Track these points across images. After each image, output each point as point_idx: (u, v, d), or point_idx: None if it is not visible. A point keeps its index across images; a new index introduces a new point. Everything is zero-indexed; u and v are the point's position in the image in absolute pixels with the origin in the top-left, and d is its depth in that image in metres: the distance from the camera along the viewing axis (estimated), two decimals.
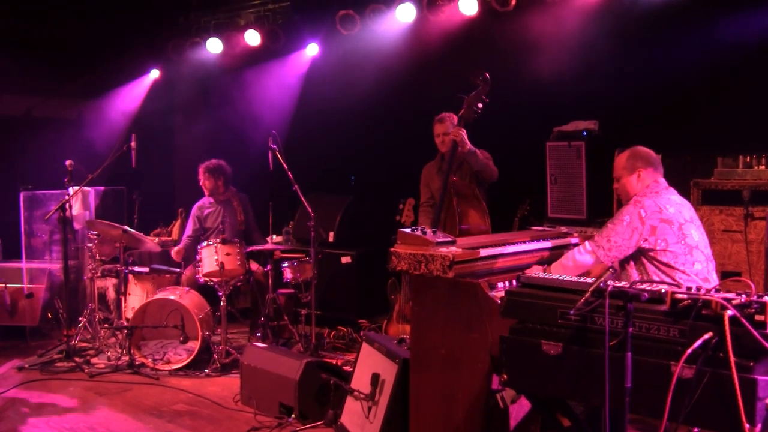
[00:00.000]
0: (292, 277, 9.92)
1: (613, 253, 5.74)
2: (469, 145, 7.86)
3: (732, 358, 3.76)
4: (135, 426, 7.47)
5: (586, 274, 6.04)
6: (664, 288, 4.14)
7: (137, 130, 10.56)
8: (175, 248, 10.31)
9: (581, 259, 5.82)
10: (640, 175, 5.99)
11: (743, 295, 3.90)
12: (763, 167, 7.94)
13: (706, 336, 3.87)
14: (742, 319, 3.79)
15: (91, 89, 13.12)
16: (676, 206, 5.82)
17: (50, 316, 10.71)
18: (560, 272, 5.77)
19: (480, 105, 7.60)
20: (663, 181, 6.03)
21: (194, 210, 10.61)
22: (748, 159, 8.04)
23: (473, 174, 8.15)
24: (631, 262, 5.89)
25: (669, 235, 5.66)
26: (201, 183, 10.49)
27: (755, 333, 3.75)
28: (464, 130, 7.79)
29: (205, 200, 10.62)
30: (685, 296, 4.01)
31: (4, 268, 10.70)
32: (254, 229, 10.72)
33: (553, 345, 4.40)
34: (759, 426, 3.75)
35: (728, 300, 3.88)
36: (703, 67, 8.42)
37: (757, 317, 3.79)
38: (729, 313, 3.81)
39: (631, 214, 5.74)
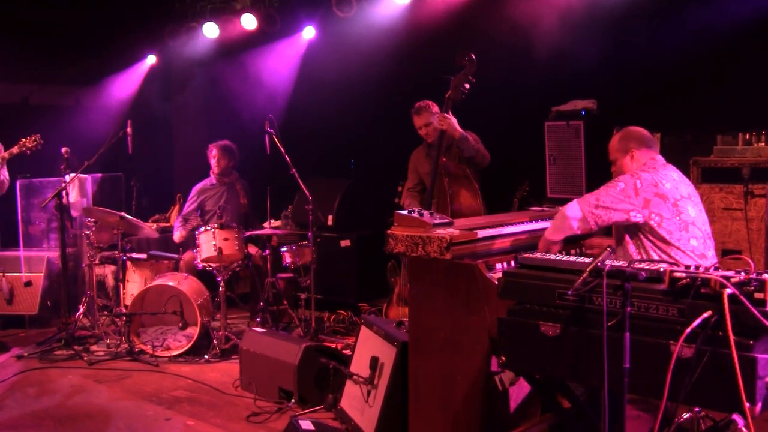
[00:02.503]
0: (291, 261, 9.90)
1: (598, 212, 5.59)
2: (459, 131, 7.83)
3: (731, 337, 3.73)
4: (135, 413, 7.44)
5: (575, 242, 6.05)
6: (662, 267, 4.10)
7: (135, 116, 10.54)
8: (177, 233, 10.28)
9: (566, 211, 5.68)
10: (633, 155, 5.95)
11: (742, 273, 3.86)
12: (763, 144, 7.90)
13: (705, 315, 3.83)
14: (742, 297, 3.76)
15: (88, 76, 13.13)
16: (673, 182, 5.76)
17: (49, 304, 10.69)
18: (551, 232, 5.71)
19: (467, 86, 7.57)
20: (660, 158, 5.98)
21: (194, 192, 10.57)
22: (747, 136, 8.00)
23: (459, 156, 8.10)
24: (628, 238, 5.82)
25: (663, 210, 5.60)
26: (215, 160, 10.46)
27: (755, 311, 3.72)
28: (452, 117, 7.76)
29: (207, 182, 10.60)
30: (684, 275, 3.97)
31: (2, 256, 10.68)
32: (252, 214, 10.70)
33: (551, 326, 4.37)
34: (759, 405, 3.73)
35: (727, 278, 3.84)
36: (701, 44, 8.37)
37: (757, 295, 3.76)
38: (728, 291, 3.77)
39: (627, 181, 5.66)
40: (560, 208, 5.93)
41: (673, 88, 8.90)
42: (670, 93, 8.92)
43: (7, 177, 9.36)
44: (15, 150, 9.06)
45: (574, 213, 5.62)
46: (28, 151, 9.11)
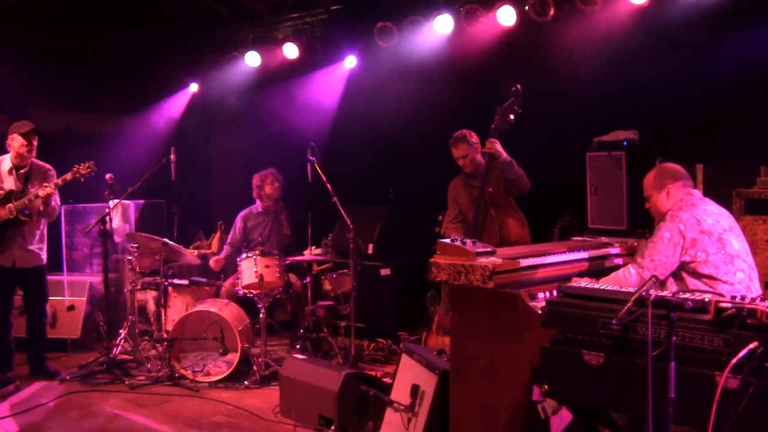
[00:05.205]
0: (331, 289, 9.93)
1: (659, 271, 5.69)
2: (504, 155, 7.85)
3: None
4: None
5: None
6: (707, 297, 4.10)
7: (176, 143, 10.62)
8: (215, 258, 10.36)
9: (626, 284, 5.74)
10: (669, 192, 5.98)
11: None
12: None
13: (752, 345, 3.83)
14: None
15: (131, 104, 13.24)
16: (714, 216, 5.78)
17: (91, 329, 10.76)
18: None
19: (512, 116, 7.59)
20: (697, 192, 6.00)
21: (239, 220, 10.66)
22: None
23: (502, 183, 8.11)
24: (670, 278, 5.85)
25: (709, 246, 5.62)
26: (273, 185, 10.59)
27: None
28: (497, 142, 7.76)
29: (253, 210, 10.69)
30: (730, 305, 3.98)
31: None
32: (294, 245, 10.75)
33: (594, 355, 4.37)
34: None
35: None
36: (744, 75, 8.33)
37: None
38: None
39: (671, 229, 5.70)
40: (613, 275, 5.94)
41: (715, 119, 8.86)
42: (712, 124, 8.88)
43: (59, 203, 9.42)
44: (68, 176, 9.08)
45: (633, 284, 5.67)
46: (82, 178, 9.14)
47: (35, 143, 9.12)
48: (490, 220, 7.68)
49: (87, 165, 9.10)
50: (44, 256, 9.35)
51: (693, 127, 8.95)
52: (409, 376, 6.60)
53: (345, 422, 7.28)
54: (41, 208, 9.02)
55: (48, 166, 9.35)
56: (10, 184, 9.06)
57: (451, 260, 5.70)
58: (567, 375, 4.56)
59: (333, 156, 11.19)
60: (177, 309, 9.75)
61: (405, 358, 6.86)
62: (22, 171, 9.13)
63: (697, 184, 6.96)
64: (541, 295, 5.61)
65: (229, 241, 10.62)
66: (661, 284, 5.82)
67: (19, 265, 9.08)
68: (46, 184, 8.90)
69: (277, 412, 7.99)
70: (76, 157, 9.27)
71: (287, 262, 9.80)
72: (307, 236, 10.18)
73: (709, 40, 8.80)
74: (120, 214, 11.14)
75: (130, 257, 9.95)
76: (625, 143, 9.04)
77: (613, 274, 5.96)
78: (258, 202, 10.67)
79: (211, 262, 10.32)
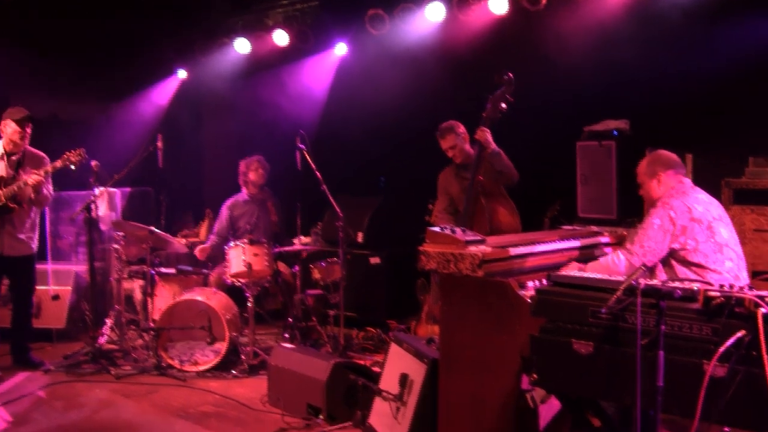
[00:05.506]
0: (320, 277, 9.89)
1: (648, 258, 5.70)
2: (493, 145, 7.81)
3: (765, 357, 3.71)
4: (162, 428, 7.45)
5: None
6: (696, 286, 4.08)
7: (165, 130, 10.55)
8: (200, 246, 10.31)
9: (615, 270, 5.74)
10: (660, 179, 6.00)
11: None
12: None
13: (739, 334, 3.83)
14: None
15: (118, 90, 13.17)
16: (704, 205, 5.80)
17: (77, 317, 10.71)
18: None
19: (504, 105, 7.55)
20: (687, 181, 6.02)
21: (225, 209, 10.59)
22: None
23: (493, 173, 8.08)
24: (659, 266, 5.84)
25: (699, 234, 5.64)
26: (258, 172, 10.56)
27: None
28: (488, 131, 7.73)
29: (240, 198, 10.63)
30: (718, 294, 3.97)
31: None
32: (283, 231, 10.70)
33: (584, 344, 4.35)
34: None
35: (762, 297, 3.82)
36: (735, 65, 8.32)
37: None
38: (763, 310, 3.77)
39: (661, 216, 5.71)
40: (602, 260, 5.96)
41: (705, 110, 8.84)
42: (703, 114, 8.86)
43: (51, 191, 9.34)
44: (58, 164, 8.98)
45: (621, 270, 5.68)
46: (72, 166, 9.05)
47: (29, 131, 9.05)
48: (481, 209, 7.66)
49: (77, 152, 9.02)
50: (35, 245, 9.29)
51: (683, 117, 8.93)
52: (399, 365, 6.58)
53: (334, 411, 7.26)
54: (32, 195, 8.95)
55: (42, 153, 9.26)
56: (0, 170, 9.00)
57: (441, 249, 5.69)
58: (556, 364, 4.54)
59: (323, 144, 11.13)
60: (164, 298, 9.69)
61: (394, 347, 6.85)
62: (14, 158, 9.05)
63: (686, 174, 6.94)
64: (530, 283, 5.62)
65: (215, 230, 10.55)
66: (651, 271, 5.82)
67: (7, 253, 9.01)
68: (35, 172, 8.82)
69: (266, 402, 7.95)
70: (63, 144, 9.19)
71: (276, 251, 9.75)
72: (296, 225, 10.12)
73: (701, 30, 8.78)
74: (106, 202, 11.07)
75: (117, 246, 9.89)
76: (616, 133, 9.02)
77: (602, 260, 5.97)
78: (244, 190, 10.62)
79: (196, 252, 10.27)
